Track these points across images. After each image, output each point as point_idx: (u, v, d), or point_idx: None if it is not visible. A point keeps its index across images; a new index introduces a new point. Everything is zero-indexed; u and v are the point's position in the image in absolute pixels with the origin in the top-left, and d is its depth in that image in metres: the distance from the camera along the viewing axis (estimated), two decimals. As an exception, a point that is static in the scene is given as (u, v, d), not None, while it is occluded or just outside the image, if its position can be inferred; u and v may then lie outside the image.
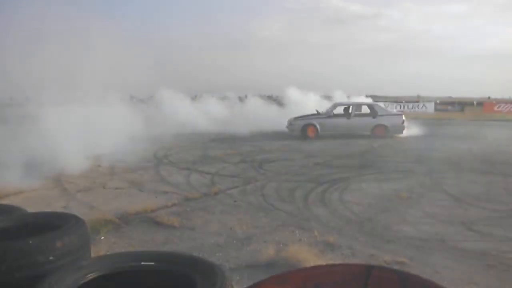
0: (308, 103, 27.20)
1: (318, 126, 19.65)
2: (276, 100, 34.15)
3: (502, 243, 5.84)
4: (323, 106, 23.60)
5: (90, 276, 2.50)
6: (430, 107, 44.85)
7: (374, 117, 18.95)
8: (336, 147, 16.40)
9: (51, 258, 2.80)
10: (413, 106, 45.05)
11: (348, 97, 31.31)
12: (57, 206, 7.56)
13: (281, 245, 5.76)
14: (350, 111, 19.67)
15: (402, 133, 19.17)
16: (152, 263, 2.66)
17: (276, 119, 23.90)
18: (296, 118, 20.21)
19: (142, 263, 2.67)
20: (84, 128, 12.70)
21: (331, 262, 5.06)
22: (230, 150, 15.66)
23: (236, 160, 13.29)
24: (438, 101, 50.10)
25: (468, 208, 7.58)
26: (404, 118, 19.32)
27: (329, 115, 19.85)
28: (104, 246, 5.72)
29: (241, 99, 34.94)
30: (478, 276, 4.83)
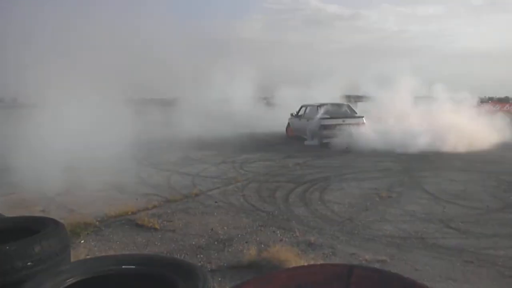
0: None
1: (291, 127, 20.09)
2: (266, 100, 33.77)
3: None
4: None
5: (70, 281, 2.46)
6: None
7: None
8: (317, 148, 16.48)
9: (29, 263, 2.75)
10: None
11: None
12: (35, 210, 7.43)
13: (262, 246, 5.77)
14: (304, 112, 19.66)
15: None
16: (133, 267, 2.63)
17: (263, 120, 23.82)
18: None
19: (123, 266, 2.64)
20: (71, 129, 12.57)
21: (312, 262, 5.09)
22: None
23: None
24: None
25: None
26: (364, 120, 17.68)
27: (296, 116, 20.09)
28: (84, 250, 5.65)
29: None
30: (456, 272, 4.91)
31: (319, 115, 17.90)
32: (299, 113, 20.02)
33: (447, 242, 5.88)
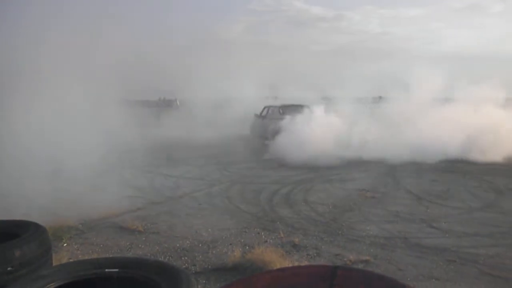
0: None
1: None
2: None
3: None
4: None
5: (52, 285, 2.43)
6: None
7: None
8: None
9: (9, 268, 2.71)
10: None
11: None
12: (16, 213, 7.31)
13: (247, 247, 5.77)
14: (266, 113, 20.21)
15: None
16: (117, 270, 2.61)
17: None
18: None
19: (106, 270, 2.62)
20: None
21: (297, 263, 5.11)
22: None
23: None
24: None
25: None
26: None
27: (260, 116, 20.60)
28: (66, 253, 5.58)
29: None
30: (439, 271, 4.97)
31: (279, 116, 18.36)
32: (262, 114, 20.58)
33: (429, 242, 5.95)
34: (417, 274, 4.91)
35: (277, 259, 5.06)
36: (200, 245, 5.97)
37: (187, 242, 6.09)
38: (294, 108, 18.98)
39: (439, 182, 9.99)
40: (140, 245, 5.99)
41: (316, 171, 11.52)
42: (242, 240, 6.13)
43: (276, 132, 17.16)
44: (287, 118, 16.96)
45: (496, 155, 12.65)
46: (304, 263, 5.14)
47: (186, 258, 5.50)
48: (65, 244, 5.97)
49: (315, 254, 5.60)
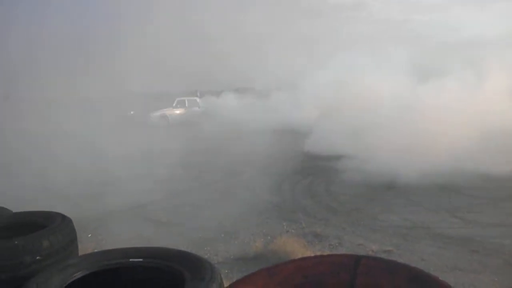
0: None
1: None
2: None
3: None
4: None
5: (78, 274, 2.48)
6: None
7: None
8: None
9: (38, 257, 2.77)
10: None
11: None
12: (43, 205, 7.46)
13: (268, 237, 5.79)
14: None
15: None
16: (141, 259, 2.64)
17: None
18: None
19: (131, 259, 2.66)
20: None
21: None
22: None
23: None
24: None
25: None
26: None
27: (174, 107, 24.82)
28: (91, 243, 5.68)
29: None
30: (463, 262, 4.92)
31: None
32: (174, 105, 24.67)
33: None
34: (440, 264, 4.86)
35: (299, 249, 5.06)
36: (223, 235, 6.01)
37: (210, 232, 6.14)
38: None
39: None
40: (163, 236, 6.05)
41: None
42: (264, 230, 6.14)
43: None
44: None
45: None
46: (326, 253, 5.14)
47: (208, 248, 5.54)
48: (89, 235, 6.08)
49: (337, 244, 5.59)
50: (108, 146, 12.16)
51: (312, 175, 9.76)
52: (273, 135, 14.81)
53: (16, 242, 2.77)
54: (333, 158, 10.71)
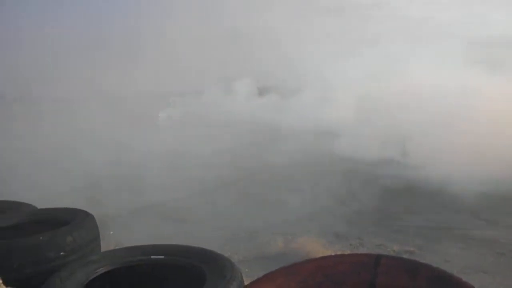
0: None
1: None
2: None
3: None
4: None
5: (100, 270, 2.51)
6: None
7: None
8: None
9: (61, 253, 2.81)
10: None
11: None
12: (67, 202, 7.58)
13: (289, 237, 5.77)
14: None
15: None
16: (162, 257, 2.67)
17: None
18: None
19: (152, 256, 2.68)
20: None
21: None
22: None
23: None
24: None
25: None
26: None
27: None
28: (113, 241, 5.74)
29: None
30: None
31: None
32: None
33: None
34: (464, 266, 4.78)
35: (319, 249, 5.04)
36: (243, 234, 6.02)
37: (230, 231, 6.15)
38: None
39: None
40: (183, 234, 6.09)
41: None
42: (284, 230, 6.13)
43: None
44: None
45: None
46: (347, 253, 5.11)
47: (228, 247, 5.55)
48: (111, 232, 6.14)
49: (358, 244, 5.55)
50: (132, 145, 12.31)
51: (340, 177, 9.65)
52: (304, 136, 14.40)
53: (41, 238, 2.82)
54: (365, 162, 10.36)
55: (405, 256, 5.00)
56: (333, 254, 4.53)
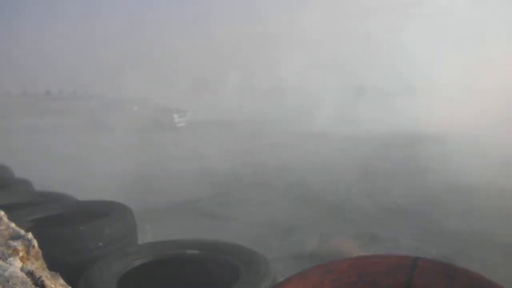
0: None
1: None
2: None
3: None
4: None
5: (137, 262, 2.57)
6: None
7: None
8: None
9: (100, 244, 2.90)
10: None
11: None
12: (105, 195, 7.76)
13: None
14: None
15: None
16: (197, 251, 2.70)
17: None
18: None
19: (187, 251, 2.72)
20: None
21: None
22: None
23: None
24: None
25: None
26: None
27: None
28: (149, 234, 5.84)
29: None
30: None
31: None
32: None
33: None
34: (505, 275, 4.62)
35: (354, 250, 4.99)
36: (278, 232, 6.02)
37: (265, 229, 6.16)
38: None
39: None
40: (218, 230, 6.14)
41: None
42: (320, 229, 6.10)
43: None
44: None
45: None
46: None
47: (262, 244, 5.56)
48: (148, 226, 6.25)
49: (393, 247, 5.46)
50: (169, 143, 12.50)
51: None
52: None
53: (81, 228, 2.91)
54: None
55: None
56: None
